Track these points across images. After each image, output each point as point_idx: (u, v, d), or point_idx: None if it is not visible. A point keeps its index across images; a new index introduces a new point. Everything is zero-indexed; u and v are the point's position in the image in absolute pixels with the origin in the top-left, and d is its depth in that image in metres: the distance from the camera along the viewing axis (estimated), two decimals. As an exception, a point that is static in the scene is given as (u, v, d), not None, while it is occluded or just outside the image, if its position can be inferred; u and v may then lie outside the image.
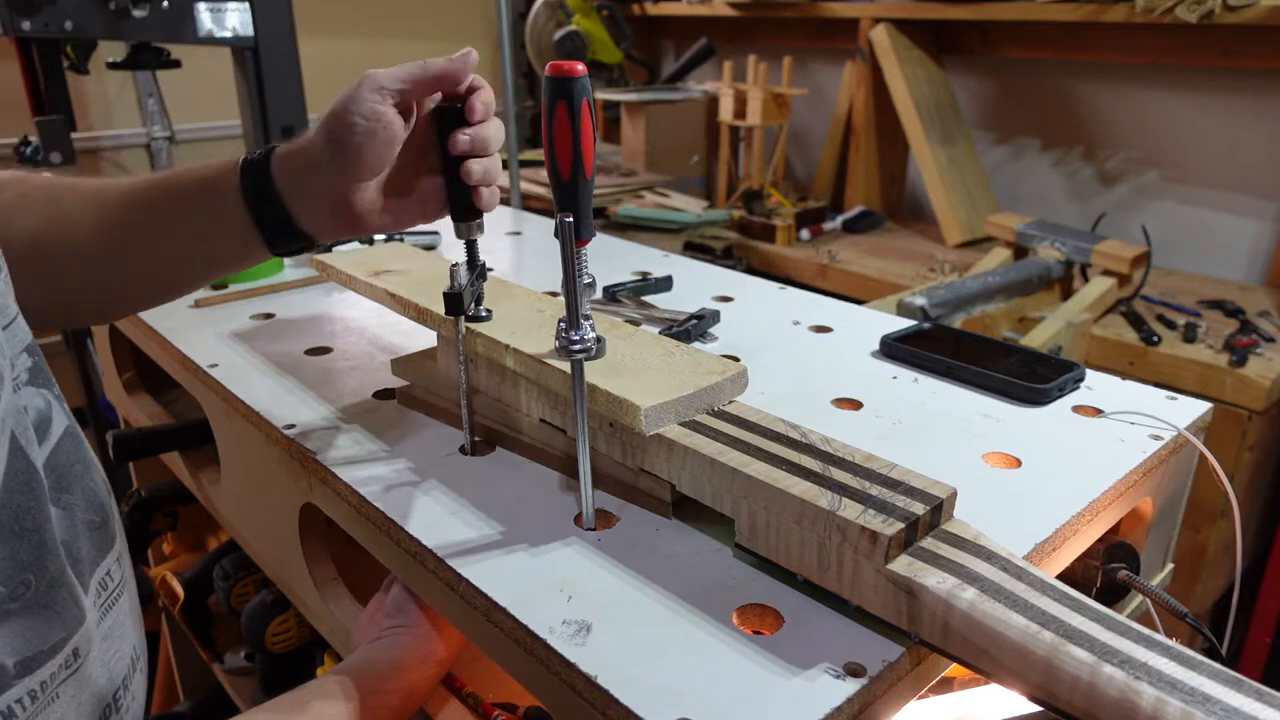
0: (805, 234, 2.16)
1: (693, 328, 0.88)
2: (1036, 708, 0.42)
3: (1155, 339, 1.49)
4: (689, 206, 2.21)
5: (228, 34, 1.49)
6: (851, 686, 0.44)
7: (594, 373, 0.58)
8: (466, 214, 0.63)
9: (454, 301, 0.61)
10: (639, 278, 1.05)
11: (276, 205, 0.61)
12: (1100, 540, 0.63)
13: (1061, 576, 0.61)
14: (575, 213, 0.52)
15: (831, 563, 0.48)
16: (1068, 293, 1.67)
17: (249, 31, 1.50)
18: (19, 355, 0.50)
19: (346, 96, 0.57)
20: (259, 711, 0.52)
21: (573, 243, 0.52)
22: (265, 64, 1.54)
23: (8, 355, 0.47)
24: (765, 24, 2.64)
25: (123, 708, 0.54)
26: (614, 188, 2.31)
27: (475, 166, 0.60)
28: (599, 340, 0.55)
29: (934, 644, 0.45)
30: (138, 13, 1.39)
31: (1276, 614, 1.58)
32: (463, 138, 0.60)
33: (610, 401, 0.56)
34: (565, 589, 0.52)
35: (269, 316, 0.97)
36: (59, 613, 0.46)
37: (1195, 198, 1.94)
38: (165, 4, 1.42)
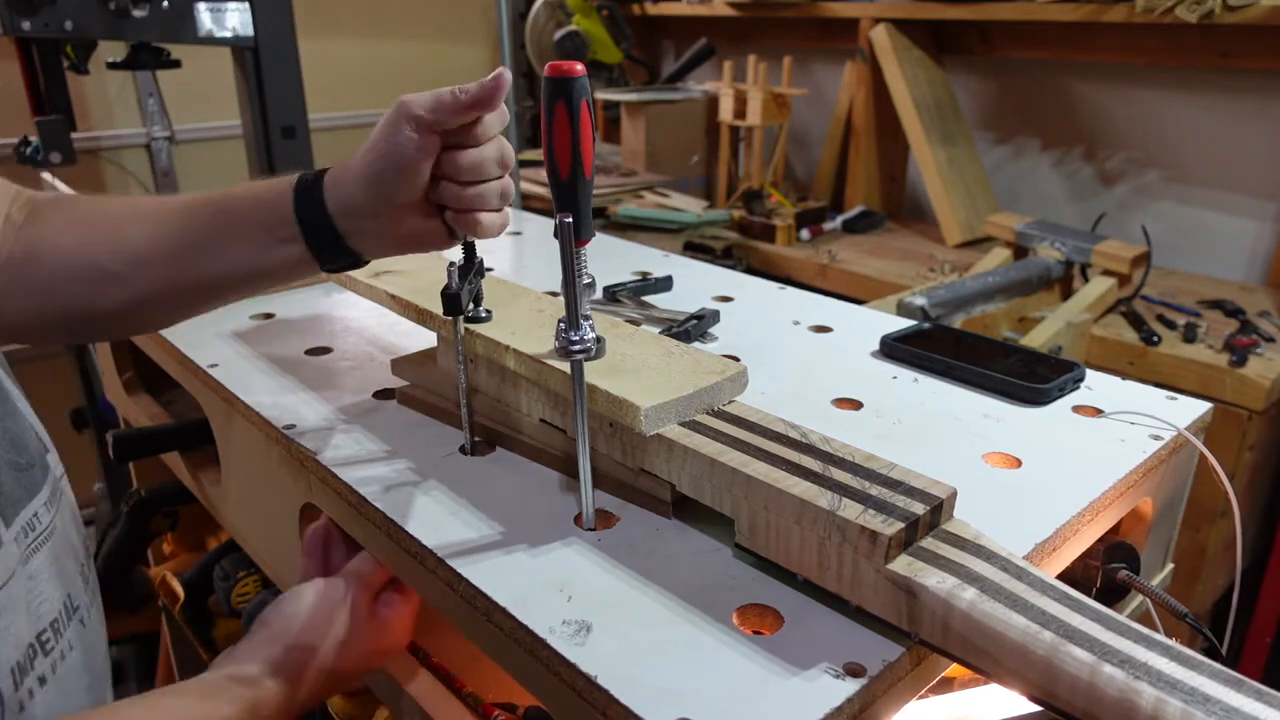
0: (805, 234, 2.16)
1: (693, 328, 0.88)
2: (1036, 708, 0.42)
3: (1155, 339, 1.49)
4: (689, 206, 2.21)
5: (228, 34, 1.49)
6: (851, 686, 0.44)
7: (594, 373, 0.58)
8: None
9: (451, 301, 0.61)
10: (639, 278, 1.05)
11: (327, 225, 0.62)
12: (1100, 540, 0.63)
13: (1061, 576, 0.61)
14: (575, 213, 0.52)
15: (831, 562, 0.48)
16: (1068, 293, 1.67)
17: (249, 31, 1.50)
18: None
19: (385, 125, 0.59)
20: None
21: (572, 243, 0.52)
22: (265, 64, 1.53)
23: None
24: (765, 24, 2.64)
25: (52, 651, 0.57)
26: (614, 188, 2.31)
27: (444, 191, 0.60)
28: (599, 340, 0.55)
29: (934, 644, 0.45)
30: (138, 13, 1.38)
31: (1276, 614, 1.58)
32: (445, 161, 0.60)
33: (610, 401, 0.56)
34: (565, 589, 0.52)
35: (269, 316, 0.97)
36: None
37: (1195, 198, 1.94)
38: (165, 4, 1.42)
